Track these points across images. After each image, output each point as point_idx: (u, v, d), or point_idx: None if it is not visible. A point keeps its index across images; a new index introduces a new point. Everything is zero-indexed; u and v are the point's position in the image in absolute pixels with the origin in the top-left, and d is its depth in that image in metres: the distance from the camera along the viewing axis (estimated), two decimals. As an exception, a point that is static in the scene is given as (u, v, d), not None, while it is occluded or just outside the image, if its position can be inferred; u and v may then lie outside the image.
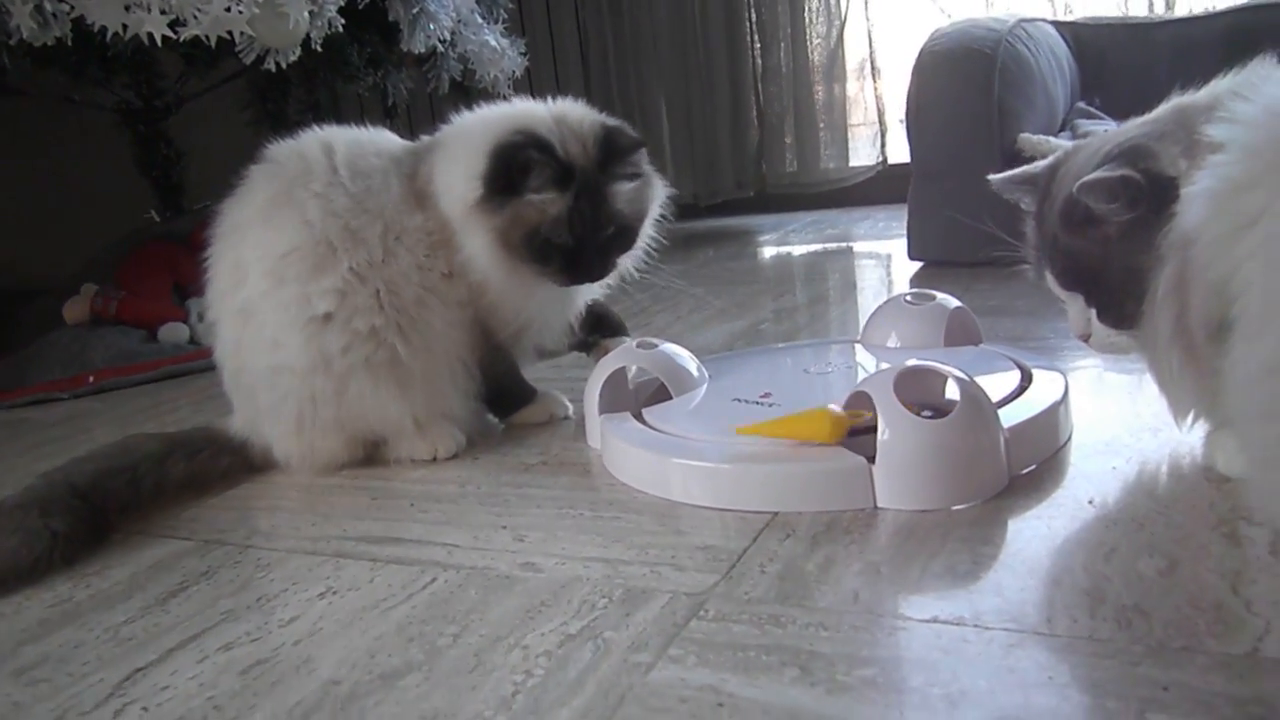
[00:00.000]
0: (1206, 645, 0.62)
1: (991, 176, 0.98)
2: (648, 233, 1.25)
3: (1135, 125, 0.86)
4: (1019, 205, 0.98)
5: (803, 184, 3.31)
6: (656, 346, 1.17)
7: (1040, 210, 0.92)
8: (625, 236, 1.21)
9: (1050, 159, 0.94)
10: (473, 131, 1.19)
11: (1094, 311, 0.89)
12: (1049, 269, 0.92)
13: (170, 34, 1.61)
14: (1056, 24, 2.28)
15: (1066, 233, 0.87)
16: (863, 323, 1.32)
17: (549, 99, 1.24)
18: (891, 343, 1.24)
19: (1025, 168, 0.97)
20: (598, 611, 0.76)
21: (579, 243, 1.16)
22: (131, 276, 2.27)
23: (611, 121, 1.21)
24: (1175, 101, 0.86)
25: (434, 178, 1.18)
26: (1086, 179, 0.81)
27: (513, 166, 1.12)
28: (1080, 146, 0.91)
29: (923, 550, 0.79)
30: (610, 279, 1.26)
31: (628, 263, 1.26)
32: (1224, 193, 0.71)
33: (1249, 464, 0.77)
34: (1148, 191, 0.79)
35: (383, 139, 1.26)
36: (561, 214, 1.14)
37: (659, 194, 1.24)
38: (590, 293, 1.30)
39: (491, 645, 0.73)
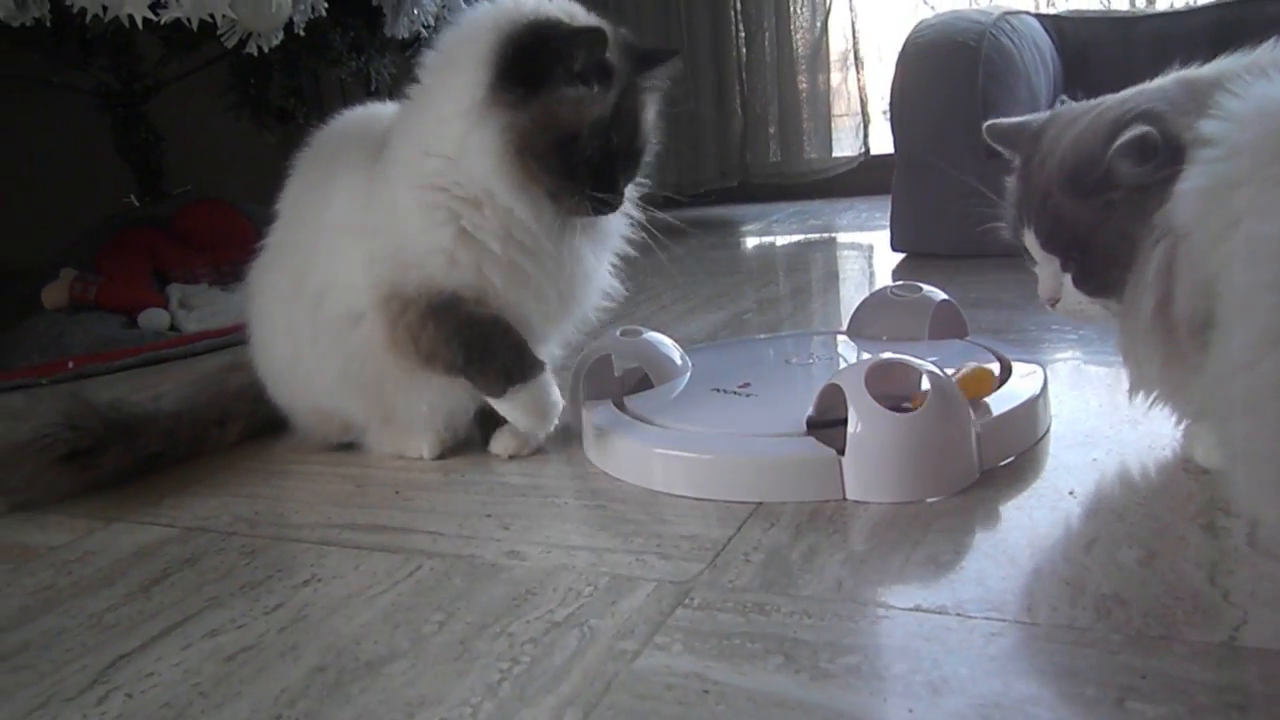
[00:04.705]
0: (1184, 634, 0.63)
1: (989, 123, 0.95)
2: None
3: (1135, 92, 0.84)
4: (1004, 157, 0.95)
5: (786, 174, 3.31)
6: (640, 334, 1.18)
7: (1028, 166, 0.89)
8: (640, 160, 1.02)
9: (1044, 115, 0.92)
10: (456, 43, 0.98)
11: (1068, 277, 0.87)
12: (1032, 228, 0.88)
13: (151, 16, 1.59)
14: (1040, 17, 2.29)
15: (1067, 195, 0.84)
16: (845, 314, 1.32)
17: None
18: (877, 335, 1.25)
19: (1023, 118, 0.94)
20: (583, 599, 0.76)
21: (612, 157, 0.96)
22: (111, 261, 2.25)
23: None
24: (1178, 75, 0.83)
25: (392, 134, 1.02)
26: (1124, 140, 0.78)
27: (543, 51, 0.90)
28: (1075, 109, 0.89)
29: (906, 540, 0.80)
30: (627, 228, 1.10)
31: (632, 193, 1.07)
32: (1215, 191, 0.71)
33: (1227, 457, 0.78)
34: (1165, 156, 0.77)
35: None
36: (604, 116, 0.94)
37: None
38: (610, 244, 1.11)
39: (477, 633, 0.73)
